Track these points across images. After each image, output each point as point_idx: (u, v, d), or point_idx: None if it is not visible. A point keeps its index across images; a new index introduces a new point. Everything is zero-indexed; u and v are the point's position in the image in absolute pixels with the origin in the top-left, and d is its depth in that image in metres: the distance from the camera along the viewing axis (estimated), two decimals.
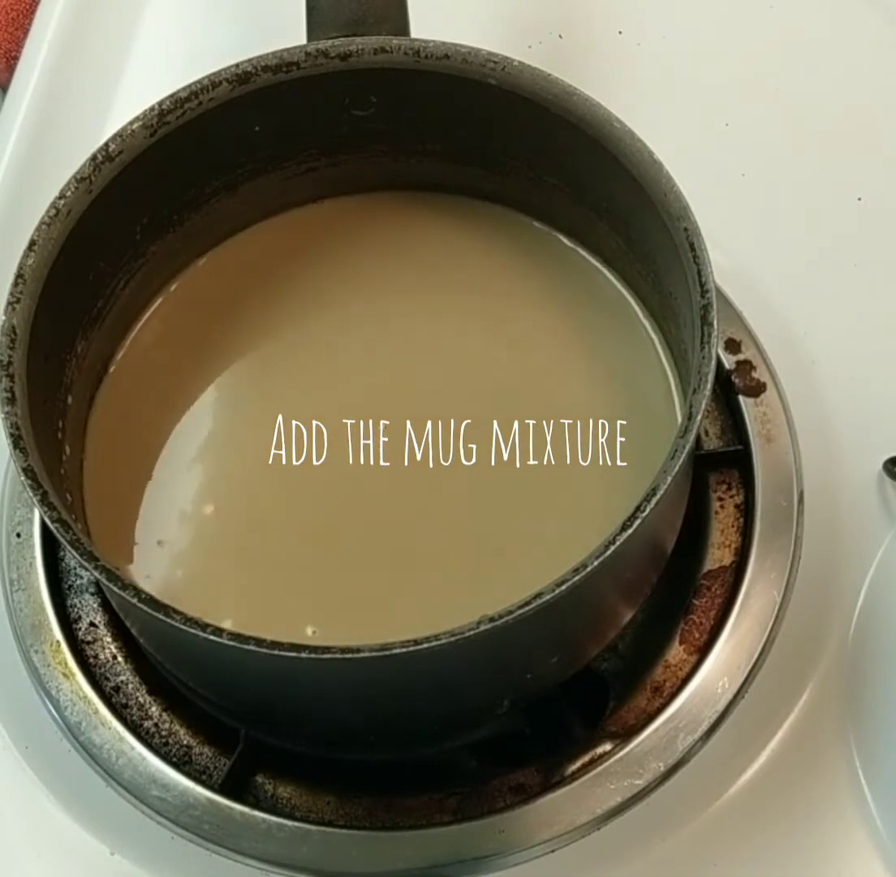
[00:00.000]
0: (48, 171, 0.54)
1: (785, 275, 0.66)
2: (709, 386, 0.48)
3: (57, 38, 0.74)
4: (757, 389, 0.61)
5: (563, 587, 0.45)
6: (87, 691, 0.58)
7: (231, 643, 0.45)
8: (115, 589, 0.47)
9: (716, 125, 0.71)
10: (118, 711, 0.58)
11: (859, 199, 0.69)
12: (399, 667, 0.47)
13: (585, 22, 0.75)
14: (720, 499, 0.60)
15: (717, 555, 0.59)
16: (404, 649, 0.45)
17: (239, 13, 0.77)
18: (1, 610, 0.60)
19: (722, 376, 0.61)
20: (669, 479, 0.47)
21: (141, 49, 0.75)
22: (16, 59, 0.75)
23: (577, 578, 0.46)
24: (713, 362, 0.48)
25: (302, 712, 0.57)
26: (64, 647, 0.59)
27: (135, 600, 0.46)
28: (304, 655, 0.45)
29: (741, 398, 0.61)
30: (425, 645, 0.45)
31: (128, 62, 0.75)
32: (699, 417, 0.47)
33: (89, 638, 0.59)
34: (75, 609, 0.60)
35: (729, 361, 0.62)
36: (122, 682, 0.59)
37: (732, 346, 0.62)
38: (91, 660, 0.59)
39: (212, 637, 0.45)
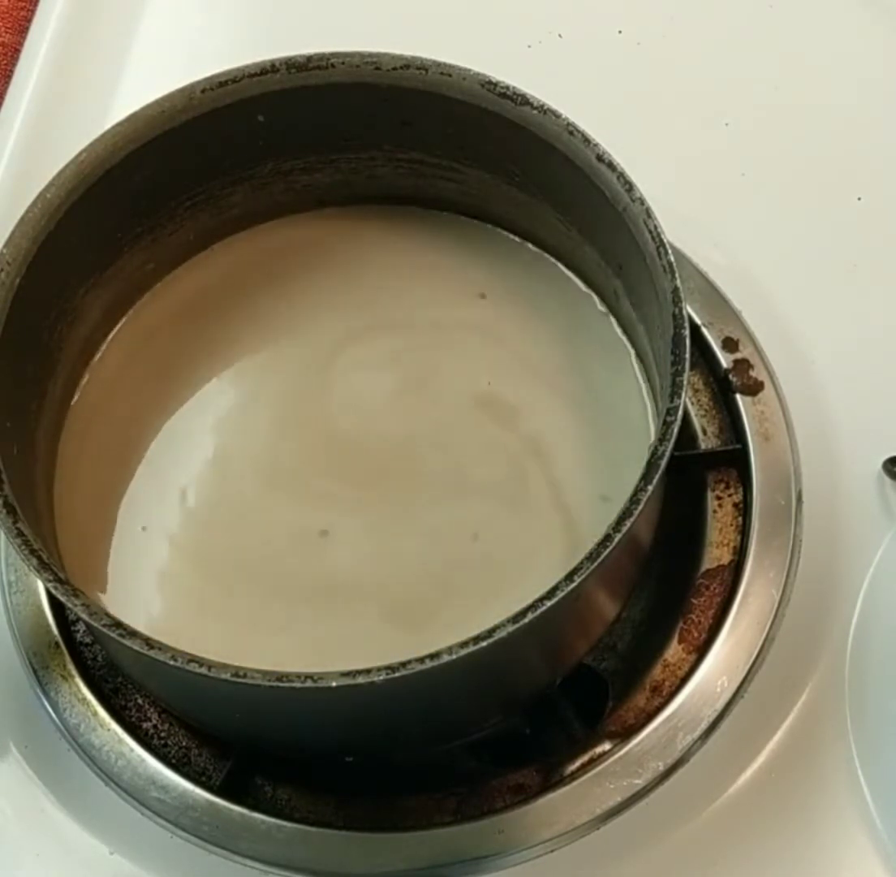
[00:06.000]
0: (47, 174, 0.54)
1: (784, 274, 0.66)
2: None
3: (57, 38, 0.74)
4: (755, 388, 0.61)
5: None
6: (85, 692, 0.58)
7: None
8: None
9: (716, 125, 0.71)
10: (117, 712, 0.58)
11: (859, 198, 0.69)
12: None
13: (585, 22, 0.75)
14: (718, 497, 0.60)
15: (716, 554, 0.59)
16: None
17: (239, 14, 0.77)
18: None
19: (719, 375, 0.62)
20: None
21: (140, 49, 0.75)
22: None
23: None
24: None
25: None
26: (63, 648, 0.59)
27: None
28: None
29: (739, 397, 0.61)
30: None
31: (127, 62, 0.75)
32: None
33: (88, 640, 0.59)
34: (73, 611, 0.60)
35: (727, 360, 0.61)
36: (120, 683, 0.59)
37: (730, 344, 0.62)
38: (89, 661, 0.59)
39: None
